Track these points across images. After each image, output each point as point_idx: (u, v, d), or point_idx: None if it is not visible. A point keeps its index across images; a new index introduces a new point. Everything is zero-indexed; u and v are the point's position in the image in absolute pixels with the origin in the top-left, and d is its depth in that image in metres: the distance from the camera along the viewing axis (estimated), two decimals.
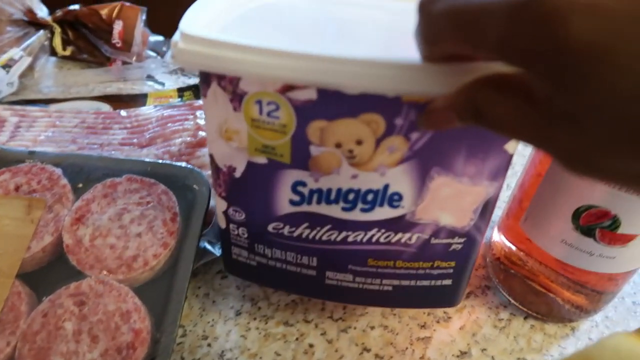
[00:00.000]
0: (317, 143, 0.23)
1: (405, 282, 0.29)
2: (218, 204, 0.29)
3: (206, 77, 0.23)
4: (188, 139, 0.41)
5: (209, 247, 0.34)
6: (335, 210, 0.26)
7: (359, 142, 0.23)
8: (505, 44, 0.13)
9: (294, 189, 0.26)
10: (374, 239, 0.27)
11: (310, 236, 0.28)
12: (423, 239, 0.27)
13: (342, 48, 0.21)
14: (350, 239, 0.27)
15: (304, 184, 0.25)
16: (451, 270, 0.29)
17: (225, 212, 0.29)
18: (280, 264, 0.30)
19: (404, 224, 0.26)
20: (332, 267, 0.29)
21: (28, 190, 0.33)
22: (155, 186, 0.33)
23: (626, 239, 0.26)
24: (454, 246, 0.27)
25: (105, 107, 0.49)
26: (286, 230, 0.28)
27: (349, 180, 0.24)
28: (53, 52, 0.54)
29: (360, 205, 0.26)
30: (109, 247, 0.31)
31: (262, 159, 0.25)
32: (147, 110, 0.45)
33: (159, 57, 0.58)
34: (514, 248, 0.33)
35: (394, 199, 0.25)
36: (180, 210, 0.32)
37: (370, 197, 0.25)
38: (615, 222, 0.25)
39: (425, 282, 0.29)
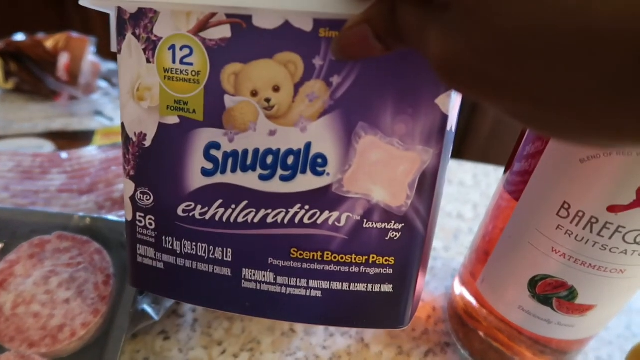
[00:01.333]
0: (232, 92, 0.22)
1: (336, 285, 0.25)
2: (126, 190, 0.26)
3: (122, 27, 0.23)
4: None
5: (148, 309, 0.31)
6: (252, 180, 0.24)
7: (276, 89, 0.22)
8: None
9: (207, 153, 0.24)
10: (297, 220, 0.24)
11: (225, 218, 0.25)
12: (354, 221, 0.24)
13: None
14: (269, 219, 0.24)
15: (217, 146, 0.24)
16: (391, 270, 0.25)
17: (132, 198, 0.26)
18: (190, 263, 0.26)
19: (330, 199, 0.23)
20: (249, 262, 0.26)
21: None
22: (88, 244, 0.31)
23: (584, 308, 0.25)
24: (391, 233, 0.24)
25: (48, 146, 0.46)
26: (198, 212, 0.25)
27: (266, 138, 0.23)
28: None
29: (280, 172, 0.23)
30: (32, 315, 0.28)
31: (173, 119, 0.23)
32: (90, 152, 0.42)
33: (110, 88, 0.55)
34: (474, 302, 0.31)
35: (318, 164, 0.23)
36: (115, 271, 0.30)
37: (291, 160, 0.23)
38: (572, 293, 0.24)
39: (361, 286, 0.25)
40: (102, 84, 0.55)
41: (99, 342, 0.28)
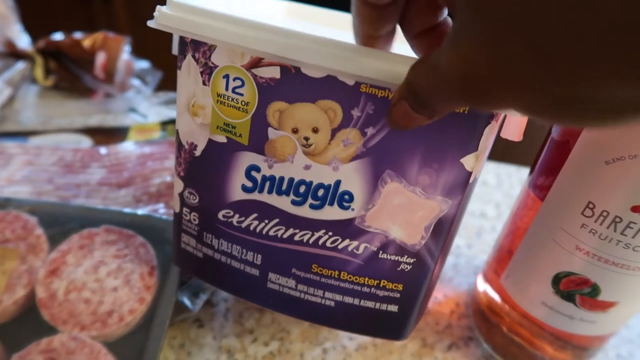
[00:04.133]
0: (275, 126, 0.24)
1: (348, 299, 0.29)
2: (175, 186, 0.29)
3: (183, 48, 0.25)
4: (168, 178, 0.41)
5: (187, 302, 0.33)
6: (285, 203, 0.26)
7: (315, 130, 0.24)
8: None
9: (248, 173, 0.26)
10: (320, 242, 0.27)
11: (258, 229, 0.28)
12: (371, 251, 0.27)
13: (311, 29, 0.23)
14: (296, 237, 0.27)
15: (257, 169, 0.26)
16: (398, 295, 0.28)
17: (180, 194, 0.29)
18: (225, 259, 0.30)
19: (352, 230, 0.26)
20: (275, 268, 0.29)
21: (1, 240, 0.32)
22: (133, 238, 0.33)
23: (606, 305, 0.26)
24: (402, 265, 0.27)
25: (86, 141, 0.48)
26: (235, 220, 0.28)
27: (301, 171, 0.25)
28: (34, 82, 0.53)
29: (310, 201, 0.26)
30: (83, 301, 0.30)
31: (221, 138, 0.26)
32: (127, 148, 0.44)
33: (143, 86, 0.57)
34: (497, 299, 0.33)
35: (345, 199, 0.25)
36: (157, 264, 0.32)
37: (321, 192, 0.25)
38: (595, 290, 0.25)
39: (370, 304, 0.28)
40: (135, 82, 0.58)
41: (143, 328, 0.30)
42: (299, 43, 0.21)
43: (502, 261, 0.32)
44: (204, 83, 0.25)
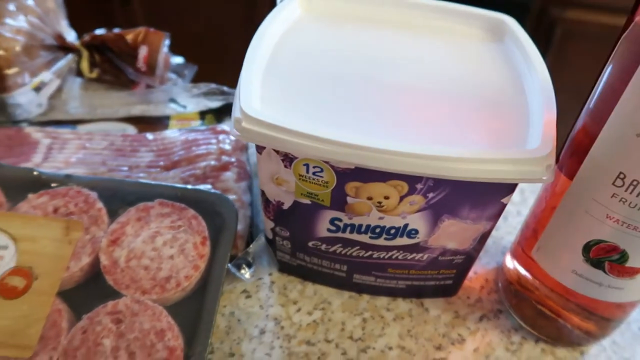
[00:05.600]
0: (353, 196, 0.29)
1: (416, 283, 0.36)
2: (266, 222, 0.35)
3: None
4: (212, 162, 0.43)
5: (235, 271, 0.35)
6: (363, 238, 0.32)
7: (386, 198, 0.29)
8: None
9: (331, 222, 0.32)
10: (393, 257, 0.33)
11: (342, 253, 0.34)
12: (432, 257, 0.33)
13: (379, 130, 0.28)
14: (374, 256, 0.34)
15: (339, 220, 0.31)
16: (452, 275, 0.36)
17: (272, 229, 0.34)
18: (317, 267, 0.36)
19: (418, 248, 0.33)
20: (358, 271, 0.35)
21: (66, 213, 0.35)
22: (185, 211, 0.35)
23: (634, 271, 0.28)
24: (455, 260, 0.34)
25: (131, 129, 0.51)
26: (323, 247, 0.34)
27: (376, 220, 0.31)
28: (79, 74, 0.56)
29: (384, 236, 0.32)
30: (143, 268, 0.33)
31: (306, 201, 0.31)
32: (172, 134, 0.47)
33: (180, 79, 0.60)
34: (525, 273, 0.35)
35: (412, 233, 0.32)
36: (209, 234, 0.34)
37: (392, 231, 0.32)
38: (623, 257, 0.27)
39: (431, 283, 0.36)
40: (172, 75, 0.60)
41: (198, 293, 0.33)
42: (369, 154, 0.25)
43: (530, 239, 0.34)
44: (285, 166, 0.29)
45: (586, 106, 0.28)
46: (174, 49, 0.61)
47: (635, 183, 0.24)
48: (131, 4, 1.59)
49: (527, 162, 0.26)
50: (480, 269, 0.40)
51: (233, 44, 0.83)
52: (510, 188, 0.29)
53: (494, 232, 0.43)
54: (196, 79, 0.61)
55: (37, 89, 0.50)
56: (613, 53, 0.25)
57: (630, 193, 0.25)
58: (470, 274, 0.39)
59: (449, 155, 0.26)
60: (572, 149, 0.29)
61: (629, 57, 0.24)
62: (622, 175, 0.25)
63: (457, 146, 0.27)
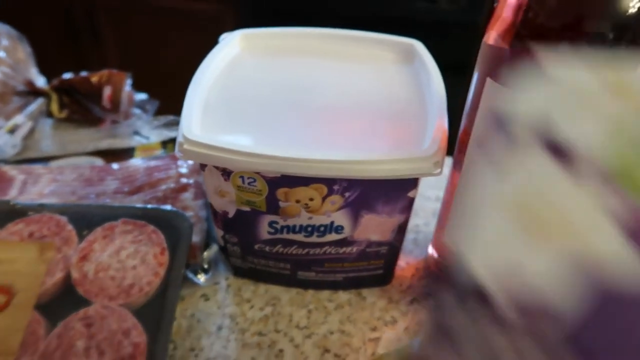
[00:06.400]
0: (283, 200, 0.34)
1: (350, 274, 0.41)
2: (217, 231, 0.40)
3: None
4: (172, 185, 0.48)
5: (193, 277, 0.41)
6: (299, 237, 0.37)
7: (311, 199, 0.34)
8: None
9: (270, 225, 0.37)
10: (327, 252, 0.39)
11: (284, 252, 0.39)
12: (360, 249, 0.39)
13: (302, 143, 0.33)
14: (311, 252, 0.39)
15: (276, 222, 0.36)
16: (382, 265, 0.41)
17: (223, 237, 0.39)
18: (265, 267, 0.41)
19: (346, 242, 0.37)
20: (301, 268, 0.41)
21: (40, 236, 0.40)
22: (145, 227, 0.40)
23: None
24: (381, 250, 0.39)
25: (99, 162, 0.56)
26: (267, 249, 0.39)
27: (307, 220, 0.36)
28: (50, 115, 0.61)
29: (316, 234, 0.37)
30: (110, 278, 0.37)
31: (246, 208, 0.36)
32: (135, 163, 0.52)
33: (143, 114, 0.65)
34: (439, 258, 0.40)
35: (338, 229, 0.36)
36: (167, 245, 0.39)
37: (322, 229, 0.36)
38: None
39: (365, 273, 0.41)
40: (136, 110, 0.66)
41: (159, 296, 0.38)
42: (293, 164, 0.31)
43: (441, 227, 0.39)
44: (225, 180, 0.34)
45: (464, 110, 0.34)
46: (143, 85, 0.67)
47: None
48: (103, 45, 1.65)
49: (419, 160, 0.32)
50: (412, 260, 0.45)
51: None
52: (412, 183, 0.34)
53: (424, 227, 0.48)
54: (162, 112, 0.66)
55: (12, 131, 0.55)
56: (475, 66, 0.32)
57: None
58: (403, 264, 0.45)
59: (356, 159, 0.31)
60: (459, 147, 0.35)
61: (482, 72, 0.30)
62: None
63: (366, 151, 0.33)
